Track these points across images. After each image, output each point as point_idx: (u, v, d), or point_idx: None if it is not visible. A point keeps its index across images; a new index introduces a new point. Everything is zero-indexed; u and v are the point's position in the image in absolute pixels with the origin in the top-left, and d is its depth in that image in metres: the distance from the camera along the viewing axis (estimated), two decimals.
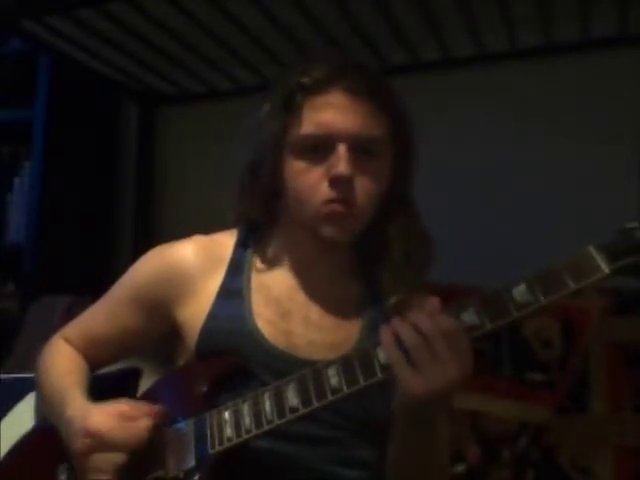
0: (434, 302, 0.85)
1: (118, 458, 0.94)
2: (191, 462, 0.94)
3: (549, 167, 1.84)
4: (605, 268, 0.79)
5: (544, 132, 1.85)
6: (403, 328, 0.83)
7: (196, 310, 1.08)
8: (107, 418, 0.96)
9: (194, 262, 1.11)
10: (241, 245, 1.13)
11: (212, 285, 1.09)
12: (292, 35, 1.83)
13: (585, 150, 1.81)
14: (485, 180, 1.88)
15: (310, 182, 1.01)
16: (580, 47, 1.83)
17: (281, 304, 1.08)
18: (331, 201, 1.00)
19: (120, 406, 0.99)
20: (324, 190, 1.00)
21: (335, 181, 1.00)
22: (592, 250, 0.80)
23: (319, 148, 1.01)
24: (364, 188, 1.02)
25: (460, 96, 1.93)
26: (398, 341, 0.83)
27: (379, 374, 0.86)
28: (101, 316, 1.17)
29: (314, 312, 1.08)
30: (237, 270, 1.10)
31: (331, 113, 1.01)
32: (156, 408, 0.98)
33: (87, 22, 1.76)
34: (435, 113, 1.86)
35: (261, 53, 1.95)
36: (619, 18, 1.72)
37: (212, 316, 1.06)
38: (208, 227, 1.17)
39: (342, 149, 1.00)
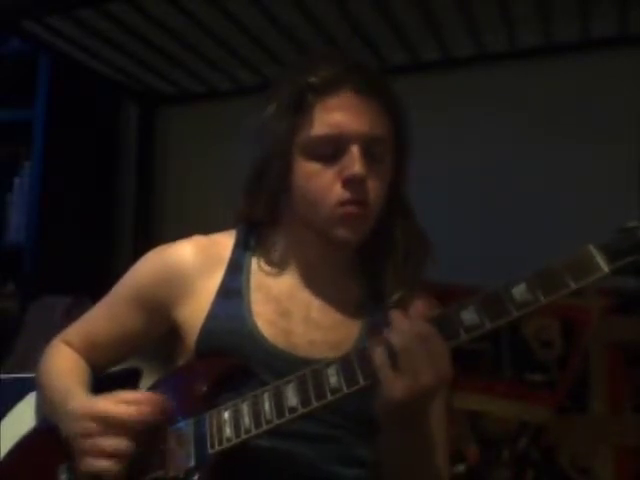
0: (419, 305, 0.86)
1: (123, 443, 0.93)
2: (191, 462, 0.94)
3: (549, 167, 1.84)
4: (605, 267, 0.79)
5: (544, 132, 1.85)
6: (387, 334, 0.84)
7: (196, 310, 1.08)
8: (112, 402, 0.96)
9: (193, 262, 1.11)
10: (240, 245, 1.13)
11: (211, 285, 1.09)
12: (292, 35, 1.83)
13: (585, 150, 1.81)
14: (485, 180, 1.88)
15: (323, 184, 1.01)
16: (580, 47, 1.83)
17: (281, 303, 1.08)
18: (346, 202, 1.01)
19: (124, 394, 0.98)
20: (338, 191, 1.01)
21: (350, 182, 1.00)
22: (592, 249, 0.80)
23: (331, 149, 1.01)
24: (375, 188, 1.02)
25: (460, 96, 1.93)
26: (384, 347, 0.84)
27: None
28: (101, 318, 1.17)
29: (314, 311, 1.08)
30: (236, 270, 1.10)
31: (343, 114, 1.01)
32: (160, 396, 0.98)
33: (87, 22, 1.76)
34: (435, 113, 1.86)
35: (261, 53, 1.95)
36: (619, 18, 1.72)
37: (212, 316, 1.06)
38: (208, 227, 1.17)
39: (355, 150, 1.00)
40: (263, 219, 1.12)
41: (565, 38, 1.83)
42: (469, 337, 0.84)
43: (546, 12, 1.70)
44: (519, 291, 0.83)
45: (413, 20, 1.74)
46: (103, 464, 0.92)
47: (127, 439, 0.93)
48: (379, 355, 0.84)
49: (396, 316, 0.86)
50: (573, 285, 0.80)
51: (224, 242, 1.14)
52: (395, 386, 0.82)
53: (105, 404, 0.96)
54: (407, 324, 0.84)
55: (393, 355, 0.83)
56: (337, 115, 1.01)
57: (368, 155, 1.01)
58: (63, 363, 1.14)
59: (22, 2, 1.67)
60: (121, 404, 0.95)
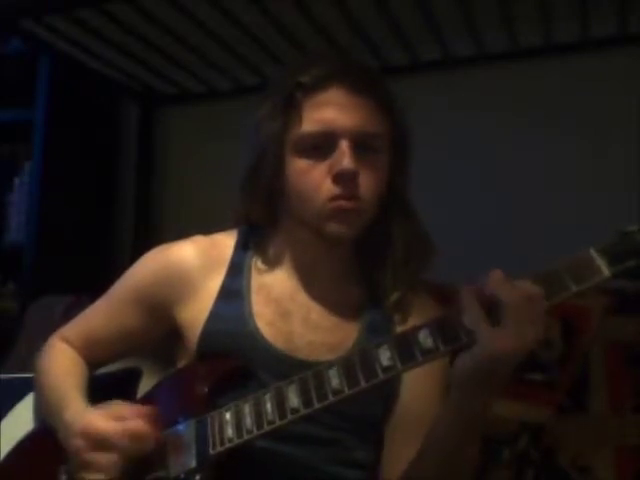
0: (498, 273, 0.84)
1: (114, 457, 0.95)
2: (192, 463, 0.94)
3: (549, 167, 1.84)
4: (606, 271, 0.79)
5: (544, 132, 1.85)
6: (499, 287, 0.83)
7: (197, 311, 1.08)
8: (103, 418, 0.97)
9: (194, 262, 1.11)
10: (241, 246, 1.14)
11: (212, 286, 1.09)
12: (292, 35, 1.83)
13: (585, 150, 1.81)
14: (485, 180, 1.88)
15: (314, 180, 1.01)
16: (580, 47, 1.83)
17: (281, 304, 1.08)
18: (336, 197, 1.01)
19: (116, 407, 0.99)
20: (328, 187, 1.01)
21: (339, 177, 1.00)
22: (593, 253, 0.80)
23: (321, 146, 1.01)
24: (367, 183, 1.02)
25: (460, 96, 1.93)
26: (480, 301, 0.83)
27: (380, 375, 0.87)
28: (100, 316, 1.17)
29: (314, 312, 1.08)
30: (237, 271, 1.11)
31: (332, 110, 1.01)
32: (151, 410, 0.98)
33: (87, 22, 1.76)
34: (435, 113, 1.86)
35: (261, 53, 1.95)
36: (619, 18, 1.72)
37: (212, 317, 1.06)
38: (208, 227, 1.17)
39: (345, 145, 1.00)
40: (260, 220, 1.12)
41: (565, 38, 1.83)
42: (470, 340, 0.84)
43: (546, 12, 1.70)
44: None
45: (413, 20, 1.74)
46: (94, 477, 0.95)
47: (115, 453, 0.95)
48: (475, 308, 0.83)
49: (496, 275, 0.84)
50: (574, 288, 0.80)
51: (225, 242, 1.14)
52: (497, 339, 0.81)
53: (96, 421, 0.97)
54: (514, 286, 0.83)
55: (496, 308, 0.82)
56: (326, 111, 1.01)
57: (360, 150, 1.01)
58: (61, 363, 1.15)
59: (22, 2, 1.67)
60: (110, 420, 0.96)
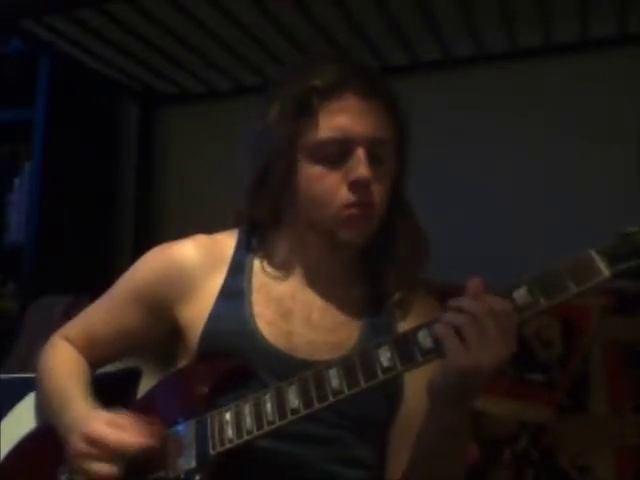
0: (476, 283, 0.85)
1: (112, 469, 0.94)
2: (192, 463, 0.94)
3: (549, 167, 1.84)
4: (606, 271, 0.79)
5: (544, 132, 1.85)
6: (451, 311, 0.85)
7: (197, 310, 1.08)
8: (107, 427, 0.96)
9: (195, 261, 1.11)
10: (242, 246, 1.13)
11: (213, 285, 1.09)
12: (292, 35, 1.83)
13: (585, 150, 1.81)
14: (485, 180, 1.88)
15: (328, 187, 1.02)
16: (580, 47, 1.83)
17: (282, 304, 1.08)
18: (351, 204, 1.01)
19: (122, 417, 0.98)
20: (343, 194, 1.01)
21: (356, 185, 1.01)
22: (593, 253, 0.81)
23: (336, 153, 1.02)
24: (379, 190, 1.03)
25: (460, 96, 1.93)
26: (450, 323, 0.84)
27: (380, 375, 0.87)
28: (102, 315, 1.17)
29: (315, 312, 1.08)
30: (238, 270, 1.11)
31: (348, 117, 1.02)
32: (156, 427, 0.97)
33: (87, 22, 1.76)
34: (435, 113, 1.86)
35: (261, 53, 1.95)
36: (619, 18, 1.72)
37: (213, 317, 1.06)
38: (208, 227, 1.17)
39: (361, 153, 1.01)
40: (264, 220, 1.12)
41: (565, 38, 1.83)
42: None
43: (546, 12, 1.70)
44: (520, 294, 0.83)
45: (413, 20, 1.74)
46: None
47: (118, 464, 0.94)
48: (444, 329, 0.84)
49: (471, 286, 0.85)
50: (574, 288, 0.80)
51: (226, 242, 1.14)
52: (462, 357, 0.82)
53: (100, 428, 0.96)
54: (475, 302, 0.84)
55: (460, 328, 0.83)
56: (342, 119, 1.01)
57: (372, 158, 1.02)
58: (63, 363, 1.14)
59: (22, 2, 1.67)
60: (116, 430, 0.95)
